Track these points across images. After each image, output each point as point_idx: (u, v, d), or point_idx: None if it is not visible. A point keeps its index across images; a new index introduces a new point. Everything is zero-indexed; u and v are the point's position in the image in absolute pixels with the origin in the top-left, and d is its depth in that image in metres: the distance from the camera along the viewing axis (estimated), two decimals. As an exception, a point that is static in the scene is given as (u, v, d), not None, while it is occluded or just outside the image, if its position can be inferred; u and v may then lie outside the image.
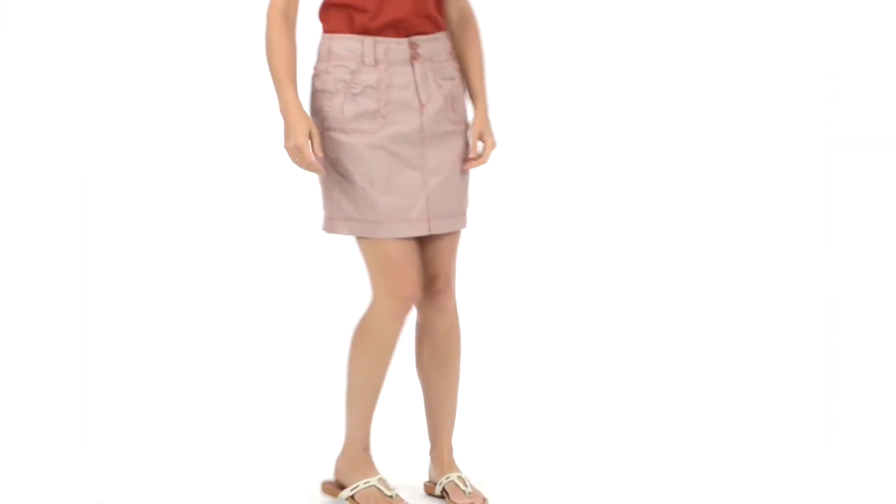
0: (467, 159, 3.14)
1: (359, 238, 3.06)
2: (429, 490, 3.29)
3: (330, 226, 3.09)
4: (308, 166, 2.98)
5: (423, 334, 3.22)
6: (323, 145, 3.03)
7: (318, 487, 3.31)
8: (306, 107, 3.04)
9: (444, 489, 3.22)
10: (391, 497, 3.14)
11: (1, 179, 5.08)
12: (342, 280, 4.74)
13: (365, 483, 3.17)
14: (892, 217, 4.97)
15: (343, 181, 3.03)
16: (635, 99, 5.12)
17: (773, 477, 3.39)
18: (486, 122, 3.17)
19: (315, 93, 3.06)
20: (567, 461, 3.57)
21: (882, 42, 5.06)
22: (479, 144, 3.16)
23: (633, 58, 5.13)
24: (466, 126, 3.16)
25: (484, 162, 3.17)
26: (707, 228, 5.06)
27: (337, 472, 3.24)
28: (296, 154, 2.98)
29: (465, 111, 3.16)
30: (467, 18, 3.19)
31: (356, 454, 3.21)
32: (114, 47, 5.12)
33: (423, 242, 3.13)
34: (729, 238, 5.04)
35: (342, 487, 3.22)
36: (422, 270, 3.11)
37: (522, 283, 4.93)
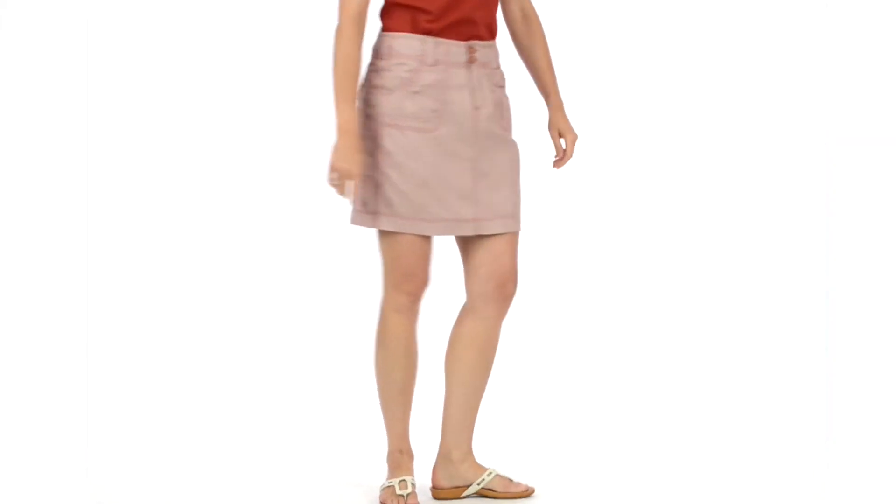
0: (555, 160, 3.26)
1: (382, 232, 3.08)
2: (452, 495, 3.24)
3: (356, 218, 3.11)
4: (345, 194, 3.01)
5: (459, 339, 3.19)
6: (375, 139, 3.05)
7: (313, 490, 3.32)
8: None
9: (486, 488, 3.21)
10: (400, 496, 3.14)
11: (1, 179, 5.08)
12: (350, 278, 4.73)
13: (388, 483, 3.18)
14: (892, 217, 4.97)
15: (386, 176, 3.04)
16: (636, 100, 5.12)
17: (773, 477, 3.39)
18: (564, 117, 3.25)
19: (371, 88, 3.08)
20: (569, 461, 3.57)
21: (882, 42, 5.06)
22: (562, 141, 3.25)
23: (634, 59, 5.13)
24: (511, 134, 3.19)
25: (570, 157, 3.25)
26: (708, 229, 5.05)
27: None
28: (341, 179, 3.00)
29: (511, 120, 3.19)
30: (530, 16, 3.24)
31: (392, 454, 3.22)
32: (116, 47, 5.12)
33: (476, 246, 3.14)
34: (729, 238, 5.04)
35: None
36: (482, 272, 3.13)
37: (533, 284, 4.93)
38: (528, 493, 3.23)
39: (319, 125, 5.12)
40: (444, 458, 3.23)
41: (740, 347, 4.61)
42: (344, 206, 3.12)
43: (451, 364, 3.20)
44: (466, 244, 3.16)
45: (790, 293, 4.89)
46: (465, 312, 3.19)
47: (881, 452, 3.58)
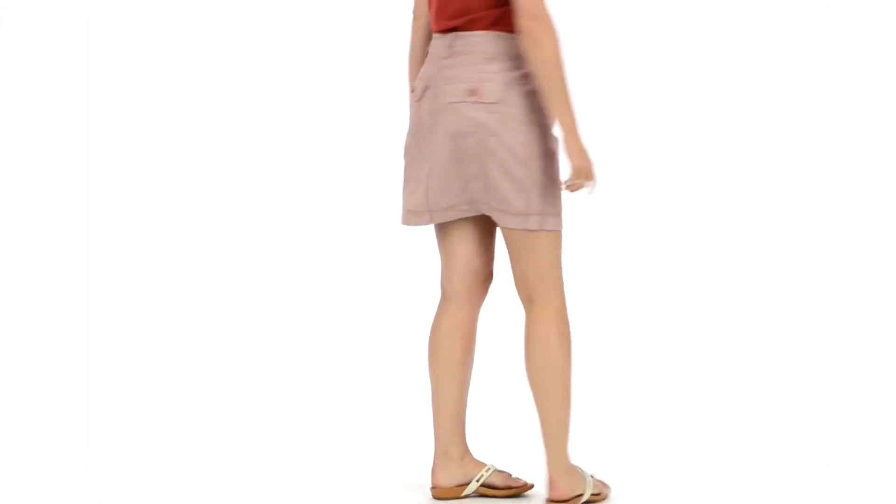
0: None
1: (553, 233, 3.04)
2: (454, 493, 3.22)
3: (542, 222, 3.02)
4: (589, 192, 3.01)
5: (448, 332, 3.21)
6: (546, 141, 3.02)
7: (313, 490, 3.31)
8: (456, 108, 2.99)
9: (485, 484, 3.20)
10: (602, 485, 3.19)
11: (2, 180, 5.08)
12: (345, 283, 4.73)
13: (596, 480, 3.18)
14: (892, 217, 4.97)
15: (557, 176, 3.04)
16: (636, 100, 5.12)
17: (773, 477, 3.39)
18: None
19: (531, 93, 2.99)
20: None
21: (882, 42, 5.06)
22: None
23: (634, 60, 5.13)
24: None
25: None
26: (708, 229, 5.06)
27: (566, 488, 3.11)
28: (587, 178, 2.98)
29: None
30: None
31: (569, 459, 3.14)
32: (116, 47, 5.12)
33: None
34: (730, 238, 5.04)
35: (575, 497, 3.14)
36: None
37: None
38: (527, 487, 3.23)
39: (319, 125, 5.15)
40: (443, 456, 3.22)
41: (740, 347, 4.60)
42: (523, 210, 2.99)
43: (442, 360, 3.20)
44: (489, 236, 3.17)
45: (790, 293, 4.89)
46: (458, 306, 3.19)
47: (881, 452, 3.58)
